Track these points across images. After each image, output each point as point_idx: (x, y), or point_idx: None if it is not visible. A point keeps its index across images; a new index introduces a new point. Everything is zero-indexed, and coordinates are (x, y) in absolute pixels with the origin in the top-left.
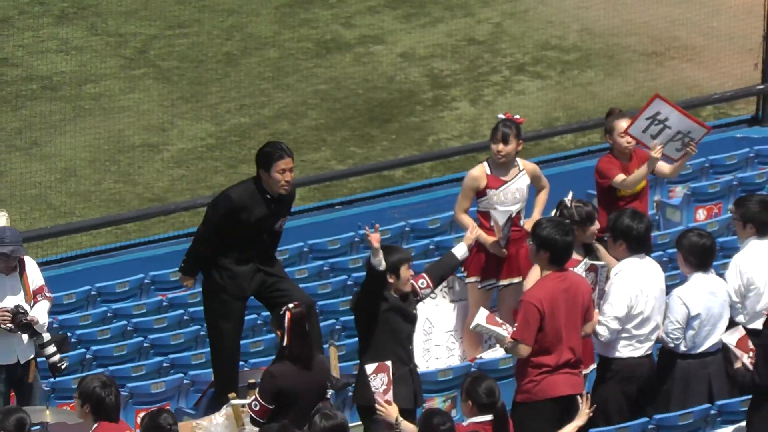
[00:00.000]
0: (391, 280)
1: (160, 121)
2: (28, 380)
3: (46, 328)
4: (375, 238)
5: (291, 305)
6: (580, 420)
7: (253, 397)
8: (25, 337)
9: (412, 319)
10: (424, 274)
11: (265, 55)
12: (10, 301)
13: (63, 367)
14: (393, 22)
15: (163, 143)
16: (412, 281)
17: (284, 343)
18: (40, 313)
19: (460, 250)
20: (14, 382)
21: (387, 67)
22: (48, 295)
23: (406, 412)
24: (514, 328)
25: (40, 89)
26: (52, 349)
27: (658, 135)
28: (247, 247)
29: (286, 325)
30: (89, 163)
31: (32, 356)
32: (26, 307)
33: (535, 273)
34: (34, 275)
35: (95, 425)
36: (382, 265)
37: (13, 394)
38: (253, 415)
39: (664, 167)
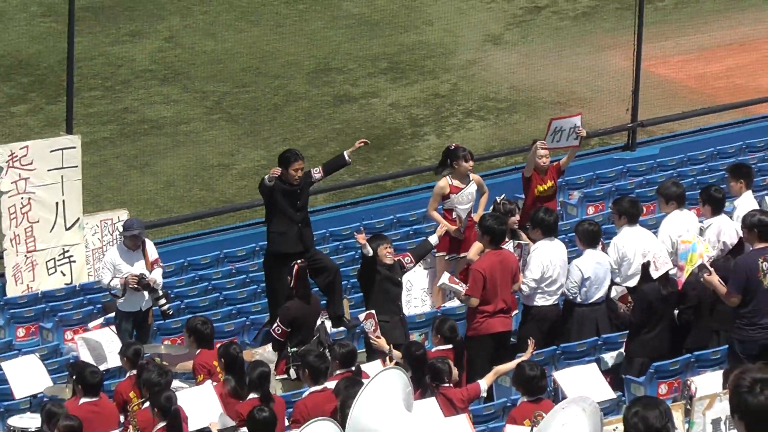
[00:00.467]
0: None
1: (230, 150)
2: (148, 323)
3: (160, 286)
4: (361, 238)
5: (299, 261)
6: (525, 356)
7: (275, 324)
8: (146, 293)
9: (398, 284)
10: (408, 254)
11: (300, 106)
12: (137, 268)
13: (170, 313)
14: (384, 83)
15: (232, 164)
16: (400, 258)
17: (291, 285)
18: (157, 276)
19: (433, 239)
20: (136, 323)
21: (381, 113)
22: (161, 264)
23: (400, 345)
24: (467, 287)
25: (150, 128)
26: (163, 301)
27: (560, 138)
28: (288, 213)
29: (293, 273)
30: (183, 177)
31: (150, 306)
32: (146, 273)
33: (475, 248)
34: (152, 251)
35: (198, 351)
36: (370, 253)
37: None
38: (276, 336)
39: (565, 159)
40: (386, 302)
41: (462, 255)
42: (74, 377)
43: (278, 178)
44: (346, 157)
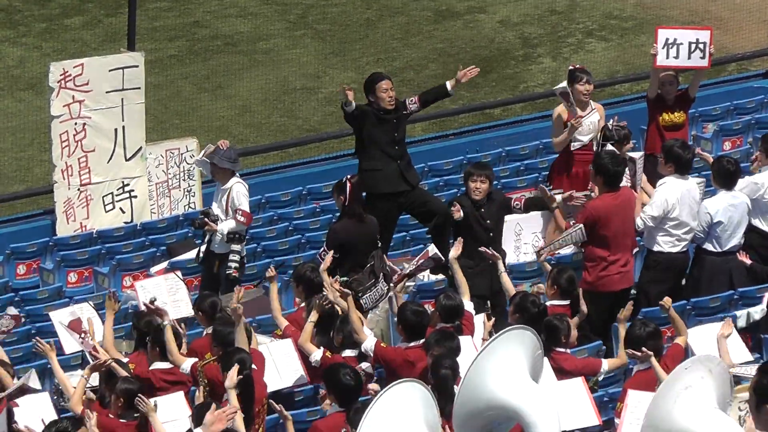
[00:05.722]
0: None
1: (315, 71)
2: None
3: (225, 240)
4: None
5: (350, 176)
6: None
7: (321, 249)
8: (217, 236)
9: (486, 228)
10: (523, 196)
11: (396, 21)
12: (215, 207)
13: (231, 276)
14: None
15: (317, 87)
16: (511, 197)
17: (346, 204)
18: (224, 226)
19: (558, 197)
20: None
21: (488, 31)
22: (239, 218)
23: (481, 297)
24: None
25: (224, 45)
26: (234, 265)
27: (678, 54)
28: (382, 146)
29: (348, 190)
30: (261, 102)
31: (225, 251)
32: (222, 216)
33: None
34: (236, 195)
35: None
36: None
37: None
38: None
39: (692, 84)
40: (471, 243)
41: (581, 193)
42: (147, 335)
43: (369, 105)
44: (449, 88)
